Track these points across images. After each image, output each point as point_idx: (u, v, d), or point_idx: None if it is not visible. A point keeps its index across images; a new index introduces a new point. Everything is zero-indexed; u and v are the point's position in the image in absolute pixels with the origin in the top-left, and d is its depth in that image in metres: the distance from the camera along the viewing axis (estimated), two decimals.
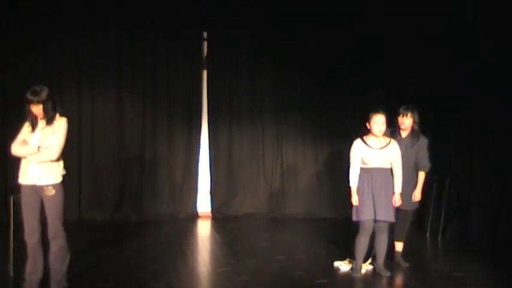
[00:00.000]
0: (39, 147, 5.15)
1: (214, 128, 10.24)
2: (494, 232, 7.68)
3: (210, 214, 10.24)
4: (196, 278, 6.38)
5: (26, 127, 5.30)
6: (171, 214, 9.92)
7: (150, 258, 7.00)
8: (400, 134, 6.64)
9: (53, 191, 5.21)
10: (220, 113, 10.25)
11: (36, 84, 5.25)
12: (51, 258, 5.34)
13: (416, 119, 6.61)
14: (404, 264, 6.71)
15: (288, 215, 10.31)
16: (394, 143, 6.28)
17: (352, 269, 6.45)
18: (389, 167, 6.22)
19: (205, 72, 10.27)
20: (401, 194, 6.27)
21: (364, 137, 6.28)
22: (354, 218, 6.25)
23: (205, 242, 8.68)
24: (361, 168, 6.23)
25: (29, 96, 5.14)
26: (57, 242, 5.30)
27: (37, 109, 5.17)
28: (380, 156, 6.17)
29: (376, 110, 6.18)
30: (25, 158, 5.22)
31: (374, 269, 6.45)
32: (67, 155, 5.42)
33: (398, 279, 6.41)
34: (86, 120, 9.59)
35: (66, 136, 5.29)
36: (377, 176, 6.17)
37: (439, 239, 8.39)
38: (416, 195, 6.56)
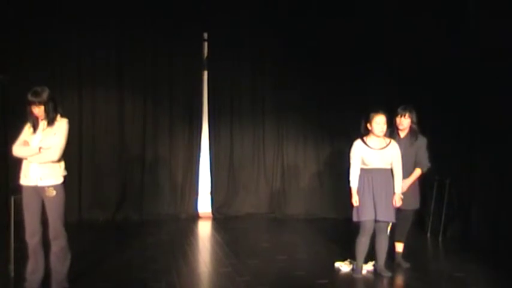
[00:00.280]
0: (40, 148, 5.15)
1: (215, 128, 10.26)
2: (495, 232, 7.67)
3: (210, 214, 10.25)
4: (197, 278, 6.38)
5: (27, 128, 5.30)
6: (172, 214, 9.94)
7: (151, 258, 7.00)
8: (398, 134, 6.64)
9: (54, 192, 5.21)
10: (220, 113, 10.27)
11: (37, 85, 5.26)
12: (52, 258, 5.35)
13: (415, 119, 6.61)
14: (405, 265, 6.71)
15: (288, 215, 10.33)
16: (394, 144, 6.27)
17: (352, 269, 6.45)
18: (389, 167, 6.22)
19: (205, 73, 10.28)
20: (402, 194, 6.27)
21: (364, 138, 6.27)
22: (355, 219, 6.24)
23: (206, 242, 8.69)
24: (362, 169, 6.23)
25: (30, 97, 5.14)
26: (58, 242, 5.31)
27: (38, 110, 5.17)
28: (380, 156, 6.16)
29: (377, 111, 6.17)
30: (26, 159, 5.22)
31: (375, 269, 6.45)
32: (68, 155, 5.42)
33: (399, 280, 6.41)
34: (86, 121, 9.62)
35: (67, 137, 5.29)
36: (377, 177, 6.17)
37: (440, 239, 8.40)
38: (404, 186, 6.40)
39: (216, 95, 10.27)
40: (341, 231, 8.67)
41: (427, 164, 6.64)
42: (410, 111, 6.59)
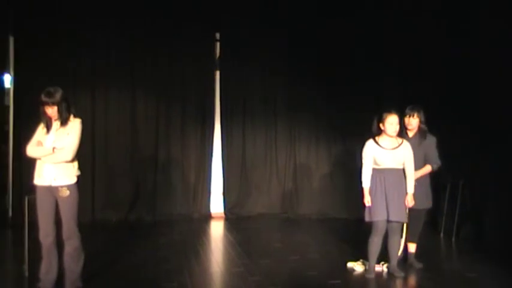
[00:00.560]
0: (54, 149, 5.19)
1: (227, 128, 10.27)
2: (508, 233, 7.61)
3: (223, 214, 10.27)
4: (210, 278, 6.40)
5: (41, 128, 5.33)
6: (184, 214, 9.96)
7: (164, 258, 7.03)
8: (407, 134, 6.63)
9: (68, 192, 5.24)
10: (233, 113, 10.28)
11: (50, 86, 5.30)
12: (66, 258, 5.38)
13: (423, 119, 6.61)
14: (418, 265, 6.69)
15: (301, 215, 10.32)
16: (406, 144, 6.26)
17: (365, 269, 6.44)
18: (401, 167, 6.20)
19: (218, 73, 10.30)
20: (414, 194, 6.25)
21: (377, 138, 6.26)
22: (367, 219, 6.24)
23: (218, 242, 8.70)
24: (374, 169, 6.22)
25: (44, 98, 5.18)
26: (72, 242, 5.34)
27: (51, 111, 5.21)
28: (392, 156, 6.15)
29: (390, 111, 6.16)
30: (40, 159, 5.26)
31: (387, 269, 6.44)
32: (81, 156, 5.45)
33: (412, 280, 6.39)
34: (99, 121, 9.64)
35: (80, 137, 5.32)
36: (389, 177, 6.16)
37: (453, 239, 8.36)
38: (416, 175, 6.38)
39: (228, 95, 10.28)
40: (353, 232, 8.66)
41: (437, 161, 6.63)
42: (418, 111, 6.59)
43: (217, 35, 10.28)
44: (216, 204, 10.35)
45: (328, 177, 10.56)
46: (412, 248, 6.80)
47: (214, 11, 10.01)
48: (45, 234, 5.31)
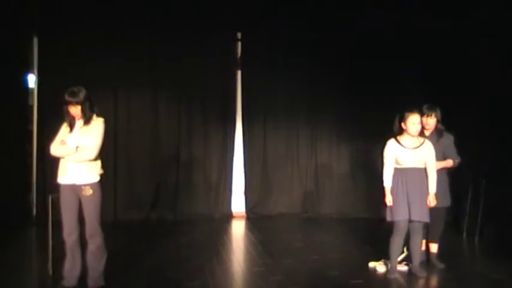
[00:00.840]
0: (77, 147, 5.25)
1: (248, 128, 10.28)
2: None
3: (244, 214, 10.29)
4: (231, 278, 6.41)
5: (64, 128, 5.39)
6: (205, 214, 9.98)
7: (185, 257, 7.06)
8: (423, 133, 6.59)
9: (91, 191, 5.29)
10: (254, 113, 10.29)
11: (73, 86, 5.35)
12: (89, 256, 5.43)
13: (439, 118, 6.58)
14: (440, 265, 6.65)
15: (322, 214, 10.31)
16: (428, 143, 6.22)
17: (387, 269, 6.41)
18: (423, 166, 6.17)
19: (239, 73, 10.32)
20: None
21: (398, 137, 6.23)
22: (388, 218, 6.21)
23: (239, 242, 8.73)
24: (395, 169, 6.19)
25: (67, 98, 5.23)
26: (95, 240, 5.39)
27: (75, 110, 5.26)
28: (414, 156, 6.12)
29: (412, 110, 6.13)
30: (64, 158, 5.32)
31: (409, 269, 6.41)
32: (103, 155, 5.50)
33: (434, 281, 6.35)
34: (121, 121, 9.70)
35: (103, 136, 5.38)
36: (411, 176, 6.12)
37: (476, 240, 8.29)
38: (438, 165, 6.37)
39: (250, 95, 10.29)
40: (374, 231, 8.61)
41: (456, 157, 6.61)
42: (435, 111, 6.56)
43: (239, 35, 10.30)
44: (238, 203, 10.37)
45: (349, 176, 10.53)
46: (433, 248, 6.76)
47: (235, 11, 10.01)
48: (69, 232, 5.37)
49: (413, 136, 6.17)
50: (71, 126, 5.36)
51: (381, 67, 10.21)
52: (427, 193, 6.15)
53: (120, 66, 9.64)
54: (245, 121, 10.28)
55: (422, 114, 6.46)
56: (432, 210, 6.31)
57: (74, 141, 5.28)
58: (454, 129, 6.72)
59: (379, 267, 6.55)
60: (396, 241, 6.19)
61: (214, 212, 10.09)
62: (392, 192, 6.17)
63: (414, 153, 6.13)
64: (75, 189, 5.30)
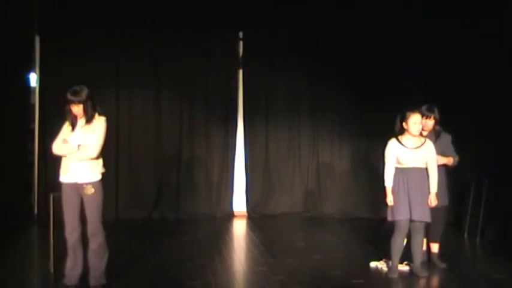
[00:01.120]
0: (79, 146, 5.25)
1: (250, 127, 10.29)
2: None
3: (246, 213, 10.29)
4: (233, 277, 6.42)
5: (66, 126, 5.39)
6: (207, 213, 9.99)
7: (187, 256, 7.06)
8: (421, 133, 6.58)
9: (92, 190, 5.29)
10: (256, 113, 10.30)
11: (75, 85, 5.35)
12: (90, 255, 5.43)
13: (438, 118, 6.58)
14: (441, 265, 6.64)
15: (323, 214, 10.32)
16: (429, 143, 6.22)
17: (388, 269, 6.41)
18: (424, 166, 6.16)
19: (241, 72, 10.31)
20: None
21: (399, 137, 6.23)
22: (390, 218, 6.20)
23: (241, 241, 8.73)
24: (397, 168, 6.19)
25: (70, 97, 5.23)
26: (96, 239, 5.39)
27: (77, 109, 5.26)
28: (415, 155, 6.11)
29: (413, 110, 6.13)
30: (65, 156, 5.32)
31: (410, 269, 6.40)
32: (105, 154, 5.50)
33: (435, 280, 6.34)
34: (123, 120, 9.71)
35: (105, 134, 5.38)
36: (412, 176, 6.12)
37: (478, 240, 8.28)
38: (439, 161, 6.39)
39: (252, 94, 10.30)
40: (376, 231, 8.62)
41: (455, 156, 6.61)
42: (434, 112, 6.56)
43: (241, 34, 10.30)
44: (239, 203, 10.38)
45: (351, 176, 10.53)
46: (434, 248, 6.76)
47: (235, 11, 10.02)
48: (71, 231, 5.37)
49: (414, 136, 6.16)
50: (73, 125, 5.35)
51: (381, 67, 10.21)
52: (428, 193, 6.14)
53: (122, 66, 9.68)
54: (247, 120, 10.28)
55: (421, 115, 6.46)
56: (432, 210, 6.31)
57: (76, 139, 5.27)
58: (454, 129, 6.72)
59: (380, 266, 6.55)
60: (397, 241, 6.18)
61: (216, 211, 10.09)
62: (393, 192, 6.16)
63: (415, 153, 6.12)
64: (77, 187, 5.30)
